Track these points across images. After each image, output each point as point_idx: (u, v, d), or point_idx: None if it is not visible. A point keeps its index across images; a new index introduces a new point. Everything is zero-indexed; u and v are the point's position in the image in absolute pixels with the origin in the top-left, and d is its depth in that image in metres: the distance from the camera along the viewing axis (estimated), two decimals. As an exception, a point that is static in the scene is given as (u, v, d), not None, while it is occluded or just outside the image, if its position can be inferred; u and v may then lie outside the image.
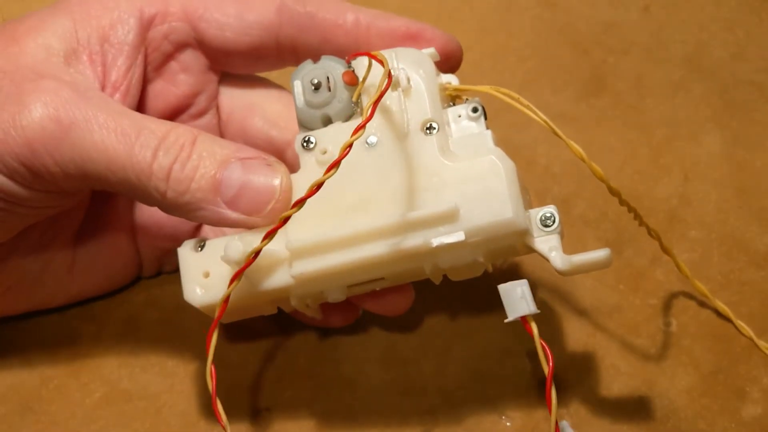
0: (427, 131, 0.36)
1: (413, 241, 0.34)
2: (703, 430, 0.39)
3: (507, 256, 0.39)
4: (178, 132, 0.36)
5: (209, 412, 0.41)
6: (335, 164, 0.32)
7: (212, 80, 0.42)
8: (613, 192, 0.36)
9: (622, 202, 0.37)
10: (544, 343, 0.33)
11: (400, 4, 0.54)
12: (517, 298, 0.33)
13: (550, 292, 0.43)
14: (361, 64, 0.36)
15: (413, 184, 0.35)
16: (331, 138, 0.36)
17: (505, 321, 0.33)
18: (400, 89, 0.36)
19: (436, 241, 0.34)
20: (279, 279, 0.36)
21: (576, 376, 0.41)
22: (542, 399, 0.40)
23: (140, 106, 0.40)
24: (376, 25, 0.39)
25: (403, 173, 0.35)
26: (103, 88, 0.38)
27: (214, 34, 0.39)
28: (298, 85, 0.37)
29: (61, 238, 0.41)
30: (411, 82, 0.36)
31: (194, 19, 0.39)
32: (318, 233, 0.35)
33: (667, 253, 0.40)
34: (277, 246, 0.35)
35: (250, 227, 0.36)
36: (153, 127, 0.35)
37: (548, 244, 0.35)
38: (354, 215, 0.35)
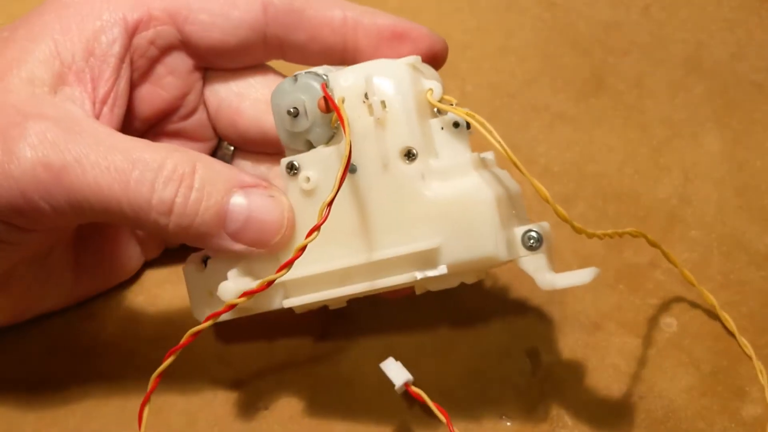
0: (407, 158, 0.35)
1: (398, 277, 0.35)
2: (703, 430, 0.39)
3: (493, 268, 0.40)
4: (176, 161, 0.35)
5: (210, 412, 0.41)
6: (316, 228, 0.33)
7: (199, 78, 0.41)
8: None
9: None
10: (437, 406, 0.37)
11: (400, 3, 0.54)
12: (397, 371, 0.37)
13: (550, 292, 0.43)
14: (336, 83, 0.35)
15: (395, 213, 0.35)
16: (313, 163, 0.36)
17: (396, 389, 0.37)
18: (375, 118, 0.35)
19: (419, 275, 0.35)
20: (273, 303, 0.37)
21: (576, 376, 0.41)
22: (542, 399, 0.40)
23: (128, 114, 0.39)
24: (362, 24, 0.38)
25: (385, 202, 0.35)
26: (93, 104, 0.37)
27: (200, 36, 0.39)
28: (277, 112, 0.36)
29: (61, 242, 0.41)
30: (387, 107, 0.35)
31: (179, 21, 0.39)
32: (306, 270, 0.36)
33: (671, 262, 0.41)
34: (269, 267, 0.36)
35: (254, 256, 0.36)
36: (147, 157, 0.34)
37: (534, 264, 0.34)
38: (340, 247, 0.36)
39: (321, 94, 0.35)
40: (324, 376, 0.42)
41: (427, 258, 0.34)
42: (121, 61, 0.38)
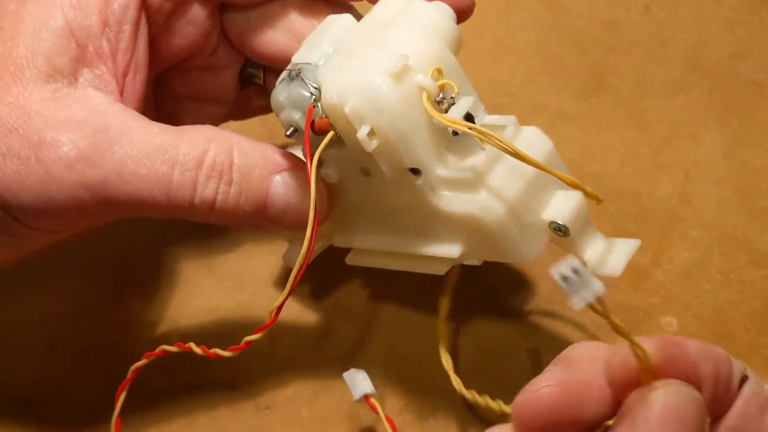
0: (413, 173, 0.33)
1: (430, 267, 0.36)
2: (704, 430, 0.39)
3: None
4: (213, 153, 0.34)
5: (210, 411, 0.40)
6: (264, 327, 0.34)
7: (217, 18, 0.39)
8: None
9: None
10: (388, 418, 0.37)
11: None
12: (359, 381, 0.37)
13: (550, 292, 0.43)
14: (325, 98, 0.33)
15: (416, 215, 0.35)
16: (333, 160, 0.36)
17: (354, 400, 0.37)
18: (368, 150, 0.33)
19: (444, 269, 0.36)
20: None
21: (576, 376, 0.41)
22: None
23: (150, 68, 0.38)
24: None
25: (403, 205, 0.35)
26: (115, 79, 0.36)
27: None
28: (278, 118, 0.35)
29: None
30: (377, 135, 0.32)
31: None
32: (357, 242, 0.38)
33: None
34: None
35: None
36: (185, 152, 0.34)
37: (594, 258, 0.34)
38: (377, 235, 0.37)
39: (313, 111, 0.34)
40: (325, 376, 0.42)
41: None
42: (137, 26, 0.36)
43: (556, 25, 0.52)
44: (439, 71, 0.33)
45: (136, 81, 0.37)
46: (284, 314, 0.40)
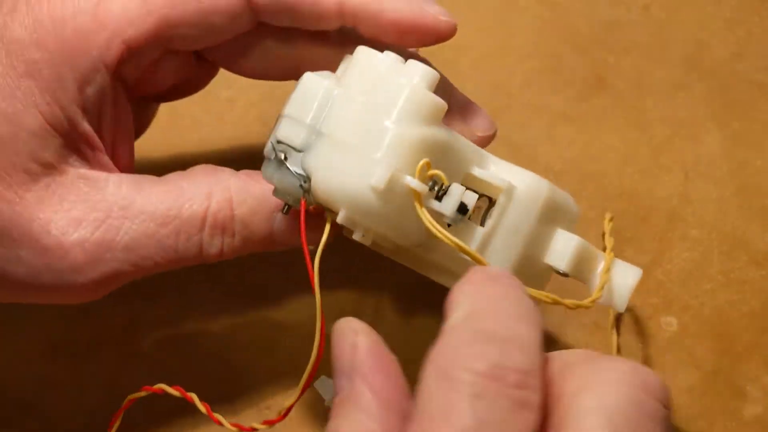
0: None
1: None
2: (704, 430, 0.39)
3: None
4: (215, 209, 0.35)
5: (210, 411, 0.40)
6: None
7: (194, 58, 0.39)
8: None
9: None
10: None
11: (400, 3, 0.54)
12: (330, 388, 0.37)
13: (550, 291, 0.43)
14: (315, 189, 0.33)
15: (425, 258, 0.35)
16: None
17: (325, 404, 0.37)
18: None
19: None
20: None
21: (576, 376, 0.41)
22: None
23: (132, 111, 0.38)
24: (362, 17, 0.35)
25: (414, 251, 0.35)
26: (104, 152, 0.36)
27: (187, 46, 0.36)
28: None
29: None
30: (373, 237, 0.34)
31: (163, 40, 0.36)
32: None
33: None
34: None
35: None
36: (186, 215, 0.35)
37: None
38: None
39: (302, 199, 0.34)
40: (324, 375, 0.42)
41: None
42: (115, 103, 0.36)
43: (556, 25, 0.52)
44: (428, 164, 0.32)
45: (126, 142, 0.37)
46: (284, 315, 0.40)
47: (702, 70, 0.50)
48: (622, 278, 0.35)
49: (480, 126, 0.37)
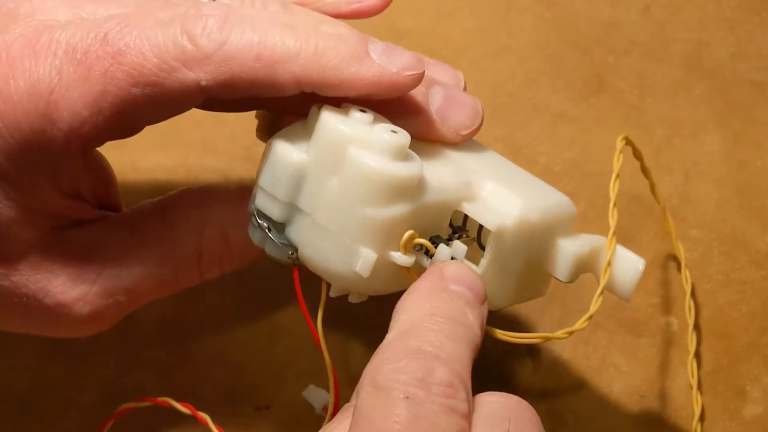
0: None
1: None
2: (704, 430, 0.39)
3: None
4: (208, 242, 0.36)
5: (209, 411, 0.40)
6: None
7: None
8: None
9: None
10: None
11: (401, 4, 0.54)
12: (319, 396, 0.39)
13: (550, 291, 0.43)
14: (302, 256, 0.33)
15: None
16: None
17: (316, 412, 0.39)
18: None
19: None
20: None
21: (577, 375, 0.41)
22: (543, 398, 0.40)
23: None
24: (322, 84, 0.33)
25: None
26: (87, 200, 0.35)
27: (143, 122, 0.34)
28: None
29: None
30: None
31: (120, 124, 0.33)
32: None
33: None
34: None
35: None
36: (180, 251, 0.36)
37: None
38: None
39: (294, 269, 0.33)
40: (324, 375, 0.41)
41: None
42: (87, 166, 0.35)
43: (556, 25, 0.52)
44: (413, 235, 0.32)
45: (109, 185, 0.37)
46: (283, 315, 0.40)
47: (702, 70, 0.50)
48: (626, 269, 0.34)
49: (461, 123, 0.35)
